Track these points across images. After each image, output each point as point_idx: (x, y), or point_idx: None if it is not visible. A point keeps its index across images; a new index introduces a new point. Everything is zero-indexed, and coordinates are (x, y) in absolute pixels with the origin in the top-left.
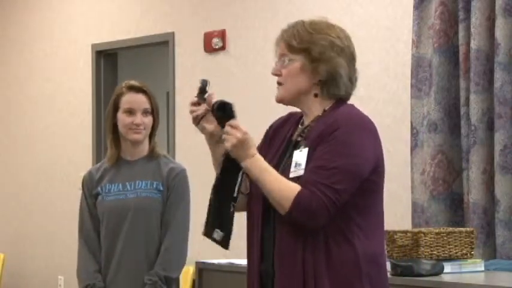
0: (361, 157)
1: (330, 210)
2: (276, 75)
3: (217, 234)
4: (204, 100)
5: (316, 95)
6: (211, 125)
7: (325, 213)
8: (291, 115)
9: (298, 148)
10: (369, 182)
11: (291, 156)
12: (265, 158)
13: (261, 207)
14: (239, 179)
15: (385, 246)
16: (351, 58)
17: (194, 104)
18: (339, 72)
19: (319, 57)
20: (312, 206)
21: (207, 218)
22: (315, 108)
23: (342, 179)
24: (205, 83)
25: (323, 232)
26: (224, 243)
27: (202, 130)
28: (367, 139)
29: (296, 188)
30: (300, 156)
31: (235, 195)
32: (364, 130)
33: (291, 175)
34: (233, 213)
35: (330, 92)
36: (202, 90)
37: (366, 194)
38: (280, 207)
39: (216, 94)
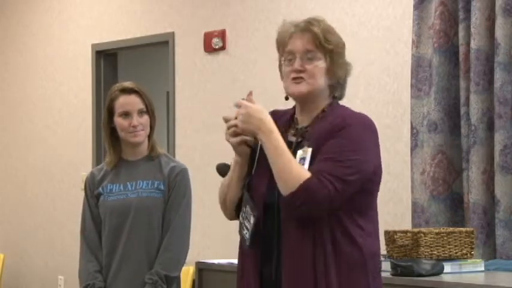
0: (367, 155)
1: (333, 200)
2: (300, 71)
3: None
4: None
5: (331, 96)
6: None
7: (328, 202)
8: (282, 114)
9: (301, 148)
10: (368, 182)
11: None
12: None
13: (262, 210)
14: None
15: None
16: None
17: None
18: (346, 78)
19: (337, 61)
20: (318, 193)
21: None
22: (319, 107)
23: (348, 173)
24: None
25: (330, 232)
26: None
27: (239, 143)
28: (372, 141)
29: (307, 173)
30: (303, 155)
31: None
32: (372, 131)
33: None
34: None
35: (336, 94)
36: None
37: (365, 195)
38: (285, 186)
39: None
